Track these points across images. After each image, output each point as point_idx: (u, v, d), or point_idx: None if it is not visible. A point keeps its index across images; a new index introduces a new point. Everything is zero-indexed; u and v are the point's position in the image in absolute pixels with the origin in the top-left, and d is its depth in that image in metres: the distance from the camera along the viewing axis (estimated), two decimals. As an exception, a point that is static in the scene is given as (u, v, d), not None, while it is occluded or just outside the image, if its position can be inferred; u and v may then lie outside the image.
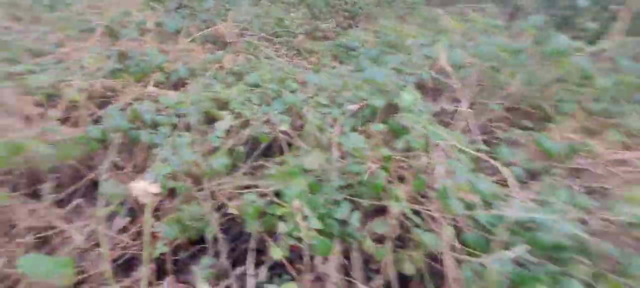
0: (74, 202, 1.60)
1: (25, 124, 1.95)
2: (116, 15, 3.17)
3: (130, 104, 2.11)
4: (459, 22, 2.60)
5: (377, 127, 1.58)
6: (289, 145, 1.80)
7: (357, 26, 7.13)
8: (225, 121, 1.66)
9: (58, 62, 2.70)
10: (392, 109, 1.83)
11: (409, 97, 1.57)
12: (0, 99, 1.71)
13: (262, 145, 1.79)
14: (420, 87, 2.20)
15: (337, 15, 7.27)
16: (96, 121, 2.09)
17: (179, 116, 1.86)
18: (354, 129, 1.78)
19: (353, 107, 1.82)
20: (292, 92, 2.28)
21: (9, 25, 3.28)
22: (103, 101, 2.31)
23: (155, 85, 2.31)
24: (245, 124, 1.76)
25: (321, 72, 2.75)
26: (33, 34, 3.05)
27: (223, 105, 2.04)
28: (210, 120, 1.90)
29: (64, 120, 2.11)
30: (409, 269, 1.26)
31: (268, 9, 5.35)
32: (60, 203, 1.74)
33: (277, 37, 4.80)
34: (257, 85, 2.23)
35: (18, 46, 2.69)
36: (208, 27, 2.93)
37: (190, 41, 2.73)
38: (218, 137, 1.64)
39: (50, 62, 2.65)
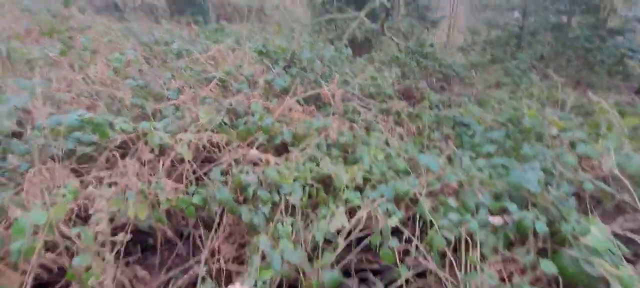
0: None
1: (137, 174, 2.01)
2: (230, 67, 3.37)
3: (231, 165, 2.04)
4: (629, 115, 2.03)
5: (547, 265, 1.13)
6: (406, 254, 1.45)
7: (451, 89, 6.71)
8: (338, 219, 1.39)
9: (176, 109, 2.89)
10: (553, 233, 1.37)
11: (599, 233, 1.11)
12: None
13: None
14: (579, 199, 1.69)
15: (429, 76, 6.98)
16: (198, 179, 2.07)
17: (280, 194, 1.69)
18: (494, 250, 1.36)
19: (496, 220, 1.41)
20: (401, 172, 1.98)
21: (142, 68, 3.75)
22: (207, 156, 2.33)
23: (258, 147, 2.25)
24: (358, 222, 1.48)
25: (431, 150, 2.40)
26: (160, 80, 3.39)
27: (327, 183, 1.83)
28: (315, 203, 1.68)
29: (169, 173, 2.14)
30: None
31: (363, 67, 5.32)
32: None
33: (373, 98, 4.67)
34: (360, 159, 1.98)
35: (147, 91, 2.98)
36: (314, 89, 2.87)
37: (296, 101, 2.67)
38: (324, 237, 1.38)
39: (170, 109, 2.85)
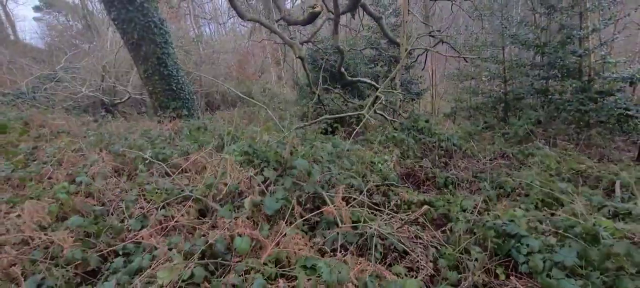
0: None
1: None
2: (211, 178, 2.78)
3: None
4: None
5: None
6: None
7: (456, 165, 6.27)
8: None
9: (136, 247, 2.21)
10: None
11: None
12: None
13: None
14: None
15: (430, 153, 6.59)
16: None
17: None
18: None
19: None
20: None
21: (105, 186, 3.13)
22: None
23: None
24: None
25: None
26: (122, 203, 2.76)
27: None
28: None
29: None
30: None
31: (361, 153, 4.87)
32: None
33: (377, 191, 4.10)
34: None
35: (100, 226, 2.32)
36: (313, 203, 2.27)
37: (293, 229, 2.03)
38: None
39: (129, 247, 2.17)
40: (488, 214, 2.65)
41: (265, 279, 1.66)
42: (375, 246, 2.26)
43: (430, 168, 5.68)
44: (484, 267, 2.30)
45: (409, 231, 2.77)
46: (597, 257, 1.68)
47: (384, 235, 2.41)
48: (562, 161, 4.82)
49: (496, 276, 2.28)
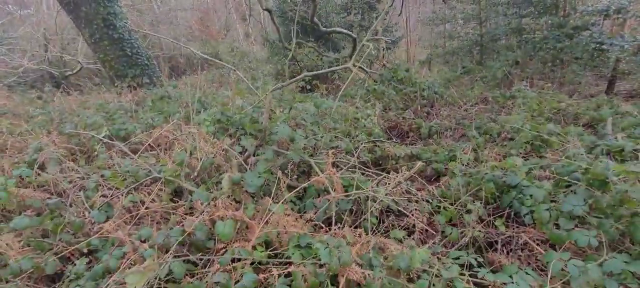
0: None
1: None
2: (181, 154, 2.45)
3: None
4: None
5: None
6: None
7: (438, 113, 6.17)
8: None
9: (103, 243, 1.92)
10: None
11: None
12: None
13: None
14: None
15: (412, 103, 6.44)
16: None
17: None
18: None
19: None
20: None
21: (60, 174, 2.72)
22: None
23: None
24: None
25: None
26: (80, 191, 2.40)
27: None
28: None
29: None
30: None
31: (344, 110, 4.61)
32: None
33: (365, 149, 3.93)
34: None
35: (57, 222, 1.98)
36: (301, 171, 2.03)
37: (281, 205, 1.80)
38: None
39: (99, 247, 1.88)
40: (482, 164, 2.53)
41: (255, 265, 1.45)
42: (371, 211, 2.10)
43: (414, 119, 5.56)
44: (483, 220, 2.23)
45: (402, 188, 2.63)
46: (608, 203, 1.59)
47: (378, 198, 2.24)
48: (543, 101, 4.81)
49: (495, 228, 2.22)
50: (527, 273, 1.40)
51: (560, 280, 1.32)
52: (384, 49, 6.92)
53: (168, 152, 2.71)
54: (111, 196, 2.32)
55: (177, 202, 2.20)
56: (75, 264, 1.74)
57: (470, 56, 10.53)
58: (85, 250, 1.91)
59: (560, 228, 1.66)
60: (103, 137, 3.07)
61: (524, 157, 3.17)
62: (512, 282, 1.28)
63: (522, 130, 3.26)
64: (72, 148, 3.30)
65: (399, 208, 2.34)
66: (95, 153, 3.06)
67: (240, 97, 3.87)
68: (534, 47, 7.38)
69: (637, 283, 1.24)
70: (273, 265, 1.46)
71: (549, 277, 1.30)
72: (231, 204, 1.90)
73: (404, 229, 2.26)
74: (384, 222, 2.23)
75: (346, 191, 2.23)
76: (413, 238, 2.09)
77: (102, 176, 2.53)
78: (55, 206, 2.25)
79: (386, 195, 2.29)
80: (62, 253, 1.88)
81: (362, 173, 2.76)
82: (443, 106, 6.26)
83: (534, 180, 2.09)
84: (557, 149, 2.89)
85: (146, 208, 2.12)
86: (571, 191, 1.85)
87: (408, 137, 5.35)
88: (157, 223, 2.02)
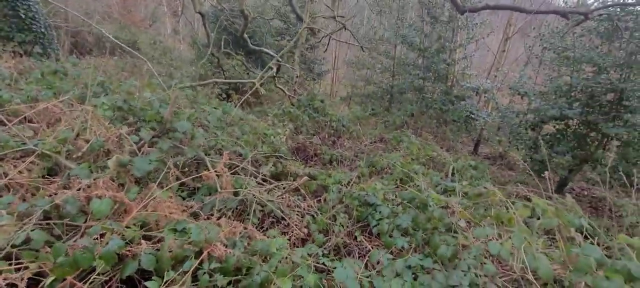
0: None
1: None
2: (67, 132, 2.34)
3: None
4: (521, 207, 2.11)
5: None
6: None
7: (342, 144, 6.89)
8: None
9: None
10: None
11: None
12: None
13: None
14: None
15: (322, 131, 7.05)
16: None
17: None
18: None
19: None
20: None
21: None
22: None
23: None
24: None
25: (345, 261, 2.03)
26: None
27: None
28: None
29: None
30: None
31: (256, 124, 4.85)
32: None
33: (266, 162, 4.20)
34: None
35: None
36: (193, 171, 2.18)
37: (166, 191, 1.93)
38: None
39: None
40: (357, 187, 3.06)
41: (125, 242, 1.54)
42: (254, 211, 2.35)
43: (320, 145, 6.12)
44: (348, 230, 2.68)
45: (289, 200, 2.96)
46: (423, 221, 2.17)
47: (263, 201, 2.52)
48: (422, 148, 5.87)
49: (355, 238, 2.69)
50: (357, 265, 1.83)
51: (377, 269, 1.78)
52: (298, 76, 7.49)
53: (51, 128, 2.54)
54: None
55: (52, 178, 2.11)
56: None
57: (382, 101, 12.03)
58: None
59: (393, 237, 2.18)
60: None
61: (395, 188, 3.89)
62: (343, 267, 1.67)
63: (397, 167, 3.99)
64: None
65: (282, 214, 2.65)
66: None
67: (150, 90, 3.80)
68: (427, 105, 8.92)
69: (423, 272, 1.75)
70: (144, 239, 1.58)
71: (363, 263, 1.74)
72: (114, 186, 1.94)
73: (283, 233, 2.57)
74: (264, 223, 2.50)
75: (235, 191, 2.44)
76: (289, 240, 2.40)
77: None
78: None
79: (270, 201, 2.58)
80: None
81: (258, 182, 3.02)
82: (348, 139, 7.04)
83: (387, 202, 2.64)
84: (416, 184, 3.64)
85: (10, 179, 1.98)
86: (407, 211, 2.43)
87: (312, 160, 5.85)
88: (21, 195, 1.91)
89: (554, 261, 1.69)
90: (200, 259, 1.47)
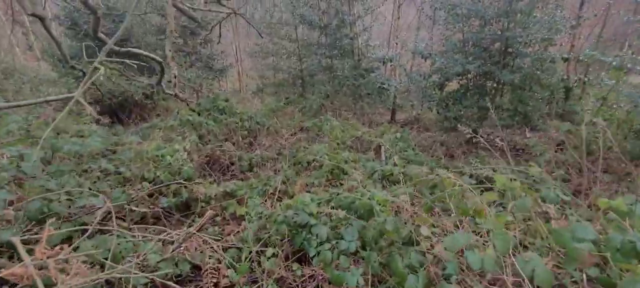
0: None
1: None
2: None
3: None
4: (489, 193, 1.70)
5: None
6: None
7: (260, 143, 6.10)
8: None
9: None
10: None
11: None
12: None
13: None
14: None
15: (234, 134, 6.12)
16: None
17: None
18: None
19: None
20: None
21: None
22: None
23: None
24: None
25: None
26: None
27: None
28: None
29: None
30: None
31: (141, 147, 3.73)
32: None
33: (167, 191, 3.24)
34: None
35: None
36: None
37: None
38: None
39: None
40: (281, 202, 2.40)
41: None
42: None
43: (234, 151, 5.25)
44: (281, 265, 2.02)
45: (200, 242, 2.15)
46: (373, 235, 1.63)
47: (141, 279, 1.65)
48: (345, 129, 5.50)
49: (293, 271, 2.05)
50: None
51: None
52: (175, 76, 6.37)
53: None
54: None
55: None
56: None
57: (294, 88, 11.46)
58: None
59: (340, 267, 1.59)
60: None
61: (327, 185, 3.35)
62: None
63: (324, 159, 3.45)
64: None
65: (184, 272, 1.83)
66: None
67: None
68: (340, 83, 8.66)
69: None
70: None
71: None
72: None
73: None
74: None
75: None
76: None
77: None
78: None
79: (159, 262, 1.74)
80: None
81: (139, 237, 2.10)
82: (266, 136, 6.29)
83: (321, 215, 2.04)
84: (350, 176, 3.15)
85: None
86: (350, 224, 1.87)
87: (229, 171, 4.97)
88: None
89: (541, 253, 1.32)
90: None
